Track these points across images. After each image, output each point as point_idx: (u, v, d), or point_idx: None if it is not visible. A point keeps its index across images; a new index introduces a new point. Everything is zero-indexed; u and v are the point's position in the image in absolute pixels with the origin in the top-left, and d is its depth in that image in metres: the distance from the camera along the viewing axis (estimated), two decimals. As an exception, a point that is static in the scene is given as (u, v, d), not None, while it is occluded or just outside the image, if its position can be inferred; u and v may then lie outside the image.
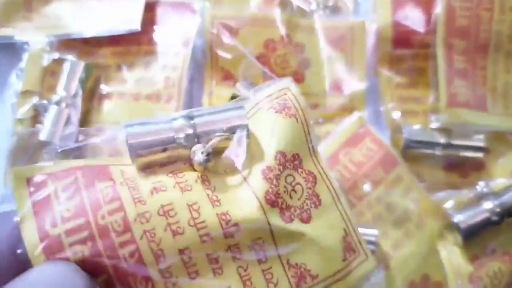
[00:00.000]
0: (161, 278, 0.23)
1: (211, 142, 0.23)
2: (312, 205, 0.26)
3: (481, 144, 0.39)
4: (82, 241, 0.21)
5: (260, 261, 0.24)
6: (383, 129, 0.39)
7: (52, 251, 0.21)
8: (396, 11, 0.41)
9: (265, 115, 0.27)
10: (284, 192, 0.25)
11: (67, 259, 0.21)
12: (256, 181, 0.24)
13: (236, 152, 0.25)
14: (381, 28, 0.41)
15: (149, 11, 0.41)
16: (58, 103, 0.37)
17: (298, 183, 0.26)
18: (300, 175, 0.26)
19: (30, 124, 0.38)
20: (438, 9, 0.39)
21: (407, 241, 0.36)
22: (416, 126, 0.40)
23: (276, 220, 0.24)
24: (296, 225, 0.25)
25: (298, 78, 0.40)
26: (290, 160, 0.26)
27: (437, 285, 0.36)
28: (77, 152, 0.27)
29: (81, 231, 0.22)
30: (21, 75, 0.38)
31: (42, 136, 0.36)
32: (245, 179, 0.25)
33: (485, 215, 0.35)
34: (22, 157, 0.37)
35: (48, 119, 0.36)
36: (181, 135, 0.23)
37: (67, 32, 0.39)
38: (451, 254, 0.36)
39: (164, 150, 0.23)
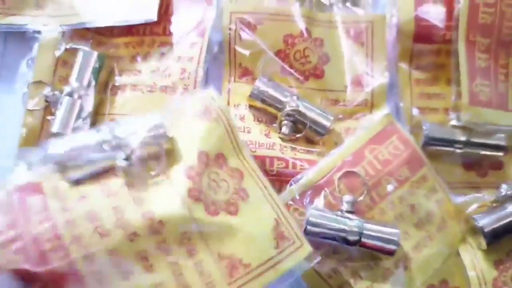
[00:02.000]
0: (93, 279, 0.25)
1: (132, 146, 0.26)
2: (240, 198, 0.29)
3: (501, 143, 0.38)
4: (16, 252, 0.24)
5: (190, 255, 0.27)
6: (402, 125, 0.38)
7: None
8: (418, 5, 0.40)
9: (188, 121, 0.31)
10: (208, 188, 0.28)
11: (3, 269, 0.23)
12: (179, 180, 0.28)
13: (157, 156, 0.28)
14: (402, 22, 0.40)
15: (163, 1, 0.40)
16: (70, 94, 0.35)
17: (223, 179, 0.29)
18: (225, 172, 0.30)
19: (41, 115, 0.36)
20: (461, 4, 0.38)
21: (428, 243, 0.35)
22: (436, 123, 0.39)
23: (201, 214, 0.27)
24: (222, 218, 0.28)
25: (318, 74, 0.39)
26: (213, 159, 0.29)
27: (456, 290, 0.35)
28: None
29: (15, 242, 0.24)
30: (32, 65, 0.37)
31: (54, 128, 0.35)
32: (168, 179, 0.28)
33: (510, 218, 0.35)
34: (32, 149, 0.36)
35: (60, 110, 0.35)
36: (105, 146, 0.26)
37: (80, 21, 0.38)
38: (475, 259, 0.35)
39: (89, 161, 0.27)
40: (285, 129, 0.37)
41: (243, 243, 0.28)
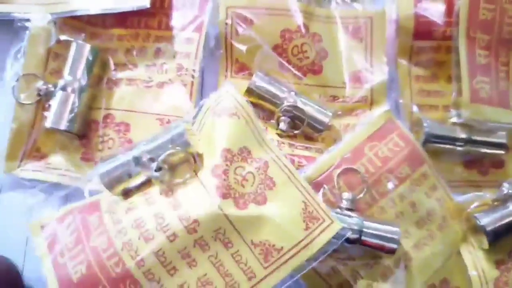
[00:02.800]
0: (145, 279, 0.28)
1: (159, 158, 0.30)
2: (266, 188, 0.31)
3: (503, 140, 0.38)
4: (81, 262, 0.29)
5: (227, 247, 0.29)
6: (402, 122, 0.38)
7: (61, 274, 0.29)
8: (417, 1, 0.39)
9: (209, 121, 0.33)
10: (235, 183, 0.30)
11: (71, 279, 0.29)
12: (208, 180, 0.30)
13: (185, 161, 0.30)
14: (401, 18, 0.39)
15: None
16: (64, 88, 0.34)
17: (249, 172, 0.31)
18: (250, 164, 0.31)
19: (33, 109, 0.35)
20: (461, 0, 0.38)
21: (429, 242, 0.34)
22: (437, 120, 0.38)
23: (231, 209, 0.29)
24: (252, 209, 0.30)
25: (316, 69, 0.38)
26: (237, 154, 0.31)
27: (457, 289, 0.35)
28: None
29: (79, 255, 0.29)
30: (21, 56, 0.36)
31: (48, 123, 0.34)
32: (198, 181, 0.30)
33: (512, 218, 0.34)
34: (23, 143, 0.35)
35: (53, 105, 0.34)
36: (140, 161, 0.30)
37: (71, 9, 0.37)
38: (476, 258, 0.35)
39: (130, 176, 0.30)
40: (283, 125, 0.36)
41: (274, 230, 0.30)
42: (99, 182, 0.30)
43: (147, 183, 0.31)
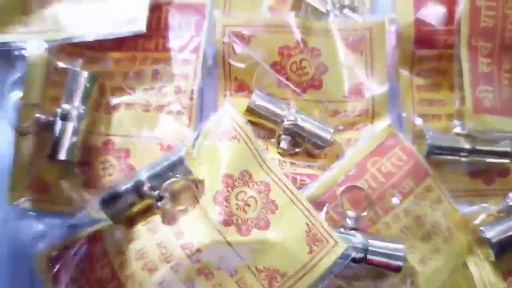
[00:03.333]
0: None
1: (162, 187, 0.30)
2: (269, 212, 0.31)
3: (508, 149, 0.37)
4: None
5: (231, 275, 0.29)
6: (404, 135, 0.37)
7: None
8: (417, 9, 0.39)
9: (210, 145, 0.32)
10: (237, 209, 0.30)
11: None
12: (210, 207, 0.30)
13: (186, 188, 0.30)
14: (402, 27, 0.39)
15: (154, 13, 0.38)
16: (62, 118, 0.34)
17: (250, 197, 0.31)
18: (252, 188, 0.31)
19: (33, 139, 0.35)
20: (462, 8, 0.37)
21: (435, 256, 0.34)
22: (440, 131, 0.38)
23: (234, 236, 0.29)
24: (255, 235, 0.30)
25: (316, 85, 0.38)
26: (238, 179, 0.31)
27: (464, 303, 0.34)
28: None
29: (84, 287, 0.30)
30: (20, 86, 0.36)
31: (47, 151, 0.34)
32: (200, 208, 0.30)
33: (518, 229, 0.34)
34: (25, 174, 0.35)
35: (53, 135, 0.34)
36: (141, 190, 0.30)
37: (67, 36, 0.37)
38: (482, 270, 0.34)
39: (131, 205, 0.30)
40: (283, 144, 0.36)
41: (278, 254, 0.30)
42: (102, 211, 0.30)
43: (149, 211, 0.31)
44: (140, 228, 0.31)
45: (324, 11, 0.39)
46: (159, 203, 0.30)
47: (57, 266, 0.31)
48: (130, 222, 0.31)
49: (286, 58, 0.37)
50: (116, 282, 0.29)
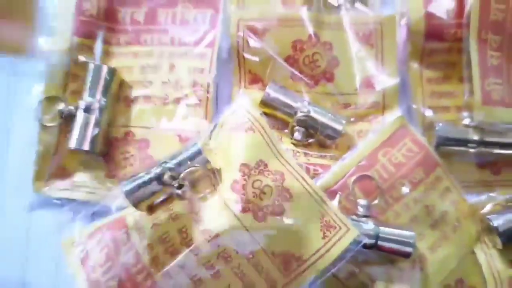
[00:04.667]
0: None
1: (181, 176, 0.31)
2: (284, 199, 0.32)
3: (515, 140, 0.38)
4: (112, 278, 0.31)
5: (248, 259, 0.31)
6: (415, 126, 0.38)
7: None
8: (428, 3, 0.39)
9: (226, 136, 0.34)
10: (253, 197, 0.31)
11: None
12: (227, 195, 0.31)
13: (205, 177, 0.32)
14: (412, 21, 0.40)
15: (170, 8, 0.40)
16: (85, 110, 0.36)
17: (266, 185, 0.32)
18: (267, 177, 0.32)
19: (57, 131, 0.37)
20: (471, 2, 0.38)
21: (443, 243, 0.35)
22: (449, 123, 0.39)
23: (251, 222, 0.31)
24: (270, 221, 0.31)
25: (328, 77, 0.39)
26: (254, 168, 0.32)
27: (472, 289, 0.36)
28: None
29: (110, 271, 0.31)
30: (43, 79, 0.37)
31: (72, 144, 0.35)
32: (218, 196, 0.31)
33: (525, 217, 0.35)
34: (49, 164, 0.37)
35: (76, 126, 0.36)
36: (162, 179, 0.31)
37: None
38: (490, 258, 0.36)
39: (153, 193, 0.31)
40: (297, 135, 0.37)
41: (293, 240, 0.31)
42: (125, 199, 0.32)
43: (170, 199, 0.32)
44: (162, 214, 0.32)
45: (336, 5, 0.40)
46: (179, 191, 0.31)
47: (82, 251, 0.32)
48: (152, 209, 0.32)
49: (299, 51, 0.38)
50: (141, 264, 0.30)
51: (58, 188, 0.36)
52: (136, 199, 0.32)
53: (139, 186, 0.31)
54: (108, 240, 0.32)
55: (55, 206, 0.35)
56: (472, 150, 0.38)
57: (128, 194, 0.31)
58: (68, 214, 0.35)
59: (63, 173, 0.37)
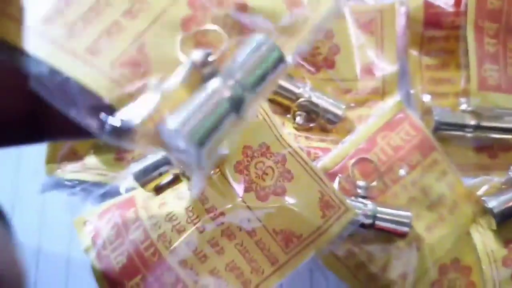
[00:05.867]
0: (180, 266, 0.31)
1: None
2: (285, 180, 0.33)
3: (511, 125, 0.39)
4: (121, 254, 0.32)
5: (250, 235, 0.32)
6: (413, 111, 0.40)
7: (105, 264, 0.32)
8: (427, -8, 0.41)
9: None
10: (256, 177, 0.33)
11: (114, 268, 0.32)
12: (232, 176, 0.32)
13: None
14: (411, 10, 0.41)
15: None
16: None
17: (268, 166, 0.33)
18: (269, 159, 0.34)
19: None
20: (469, -10, 0.39)
21: (440, 224, 0.37)
22: (447, 108, 0.40)
23: (253, 201, 0.32)
24: (272, 200, 0.33)
25: (329, 64, 0.40)
26: (257, 150, 0.33)
27: (467, 268, 0.37)
28: None
29: (120, 247, 0.33)
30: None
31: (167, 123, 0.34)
32: (223, 177, 0.32)
33: (519, 200, 0.36)
34: (60, 147, 0.38)
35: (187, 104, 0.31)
36: (169, 160, 0.32)
37: None
38: (485, 238, 0.37)
39: (160, 174, 0.33)
40: (299, 119, 0.38)
41: (293, 218, 0.33)
42: (133, 180, 0.33)
43: (176, 180, 0.34)
44: (168, 195, 0.33)
45: (337, -6, 0.42)
46: (184, 172, 0.33)
47: (93, 230, 0.34)
48: (159, 189, 0.34)
49: (301, 39, 0.40)
50: (149, 241, 0.32)
51: (69, 170, 0.38)
52: (144, 180, 0.33)
53: (147, 168, 0.33)
54: (118, 219, 0.33)
55: (66, 187, 0.37)
56: (469, 135, 0.39)
57: (136, 175, 0.33)
58: (79, 194, 0.36)
59: (74, 156, 0.38)
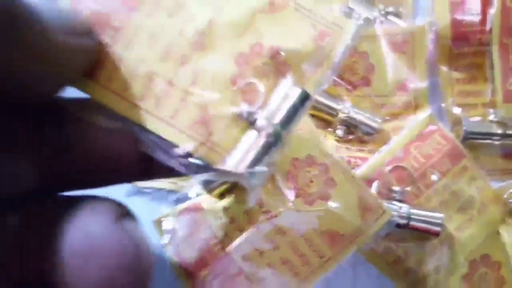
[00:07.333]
0: (242, 260, 0.37)
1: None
2: (329, 187, 0.38)
3: (536, 133, 0.43)
4: (195, 250, 0.38)
5: (301, 235, 0.37)
6: (444, 123, 0.44)
7: (181, 258, 0.39)
8: (454, 12, 0.45)
9: None
10: (304, 185, 0.38)
11: (188, 261, 0.39)
12: (283, 183, 0.38)
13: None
14: (440, 28, 0.45)
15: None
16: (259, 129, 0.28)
17: (314, 175, 0.38)
18: (315, 168, 0.38)
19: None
20: (494, 9, 0.43)
21: (469, 224, 0.41)
22: (475, 119, 0.44)
23: (302, 206, 0.37)
24: (318, 205, 0.38)
25: (366, 82, 0.45)
26: (304, 161, 0.38)
27: (496, 263, 0.41)
28: None
29: (194, 243, 0.39)
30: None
31: (228, 160, 0.28)
32: (276, 184, 0.37)
33: (545, 202, 0.40)
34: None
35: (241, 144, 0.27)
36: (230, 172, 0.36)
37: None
38: (513, 237, 0.41)
39: (223, 183, 0.34)
40: (339, 132, 0.44)
41: (336, 220, 0.37)
42: (200, 188, 0.39)
43: (236, 186, 0.40)
44: (231, 200, 0.39)
45: (372, 18, 0.47)
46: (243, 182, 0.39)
47: (170, 229, 0.40)
48: (223, 195, 0.40)
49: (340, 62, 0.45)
50: (216, 239, 0.38)
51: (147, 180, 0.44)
52: (210, 187, 0.39)
53: (212, 177, 0.39)
54: (190, 220, 0.40)
55: (145, 193, 0.44)
56: (496, 143, 0.43)
57: (203, 183, 0.39)
58: (156, 200, 0.43)
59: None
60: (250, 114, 0.25)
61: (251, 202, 0.34)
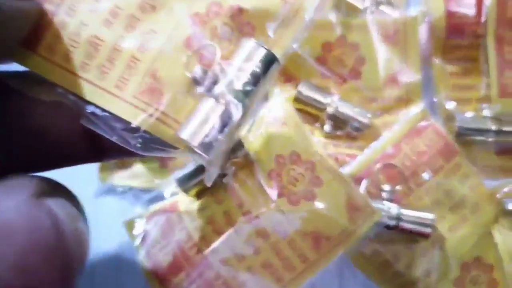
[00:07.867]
0: (220, 264, 0.35)
1: (225, 166, 0.35)
2: (315, 186, 0.36)
3: (532, 130, 0.41)
4: (168, 253, 0.36)
5: (284, 237, 0.35)
6: (437, 119, 0.42)
7: (153, 261, 0.37)
8: (447, 3, 0.42)
9: (264, 131, 0.37)
10: (288, 183, 0.36)
11: (161, 265, 0.36)
12: (266, 182, 0.36)
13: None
14: (434, 20, 0.43)
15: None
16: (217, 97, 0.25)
17: (299, 173, 0.36)
18: (300, 166, 0.36)
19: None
20: (489, 1, 0.41)
21: (462, 224, 0.39)
22: (469, 114, 0.42)
23: (285, 206, 0.35)
24: (303, 205, 0.36)
25: (355, 75, 0.43)
26: (288, 158, 0.36)
27: (489, 266, 0.39)
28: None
29: (166, 247, 0.37)
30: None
31: (180, 132, 0.28)
32: (258, 183, 0.36)
33: (539, 201, 0.38)
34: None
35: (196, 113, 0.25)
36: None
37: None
38: (506, 238, 0.39)
39: (201, 181, 0.35)
40: (327, 128, 0.41)
41: (322, 221, 0.35)
42: (177, 187, 0.37)
43: (215, 186, 0.37)
44: (208, 199, 0.37)
45: (362, 7, 0.44)
46: (223, 179, 0.36)
47: (143, 231, 0.38)
48: (200, 195, 0.37)
49: (328, 53, 0.42)
50: (192, 242, 0.36)
51: (120, 177, 0.42)
52: (186, 186, 0.37)
53: (189, 175, 0.37)
54: (164, 221, 0.37)
55: (118, 193, 0.41)
56: (490, 139, 0.41)
57: (179, 182, 0.37)
58: (129, 199, 0.41)
59: (122, 165, 0.43)
60: (207, 79, 0.22)
61: (207, 182, 0.30)
